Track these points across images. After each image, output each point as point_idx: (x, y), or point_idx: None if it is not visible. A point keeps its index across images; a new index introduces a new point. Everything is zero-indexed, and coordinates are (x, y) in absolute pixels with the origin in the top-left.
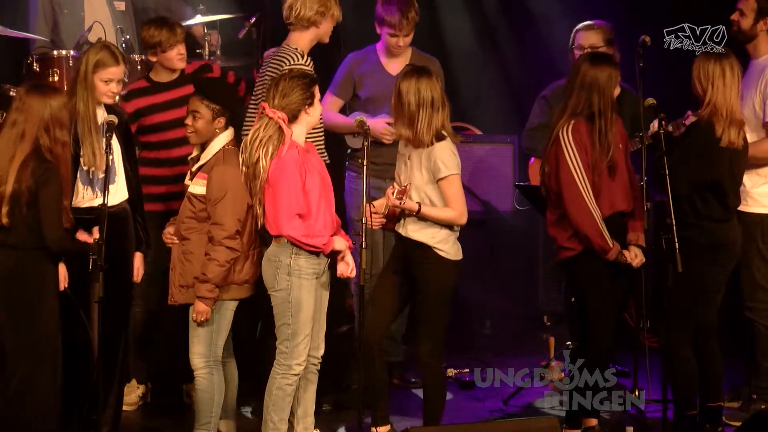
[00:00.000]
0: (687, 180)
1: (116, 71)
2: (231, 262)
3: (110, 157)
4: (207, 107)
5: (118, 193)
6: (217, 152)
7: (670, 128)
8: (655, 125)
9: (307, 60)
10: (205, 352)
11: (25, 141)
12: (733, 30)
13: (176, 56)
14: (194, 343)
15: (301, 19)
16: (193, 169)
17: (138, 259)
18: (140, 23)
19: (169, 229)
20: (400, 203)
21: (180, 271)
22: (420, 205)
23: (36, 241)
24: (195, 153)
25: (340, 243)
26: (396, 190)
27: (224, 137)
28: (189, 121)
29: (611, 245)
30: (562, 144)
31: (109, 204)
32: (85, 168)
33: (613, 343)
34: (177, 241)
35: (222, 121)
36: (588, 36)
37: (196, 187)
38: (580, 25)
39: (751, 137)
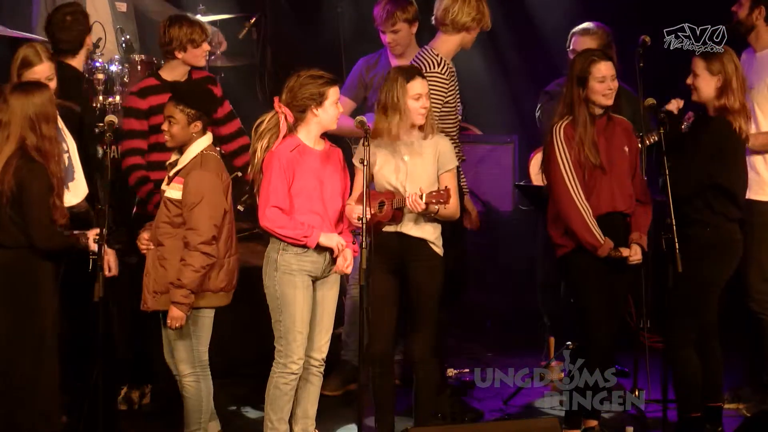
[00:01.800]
0: (700, 178)
1: (41, 69)
2: (207, 268)
3: (66, 155)
4: (181, 112)
5: (79, 190)
6: (194, 157)
7: (683, 126)
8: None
9: (443, 68)
10: (189, 358)
11: (10, 142)
12: (733, 21)
13: (203, 53)
14: (177, 350)
15: (455, 23)
16: (171, 173)
17: (109, 255)
18: (139, 25)
19: (144, 235)
20: (439, 208)
21: (154, 277)
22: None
23: (28, 239)
24: (173, 158)
25: (328, 239)
26: (425, 194)
27: (203, 142)
28: (165, 126)
29: (601, 242)
30: (553, 142)
31: (72, 203)
32: None
33: (613, 342)
34: (152, 247)
35: (198, 125)
36: (583, 41)
37: (172, 191)
38: (577, 28)
39: (766, 126)
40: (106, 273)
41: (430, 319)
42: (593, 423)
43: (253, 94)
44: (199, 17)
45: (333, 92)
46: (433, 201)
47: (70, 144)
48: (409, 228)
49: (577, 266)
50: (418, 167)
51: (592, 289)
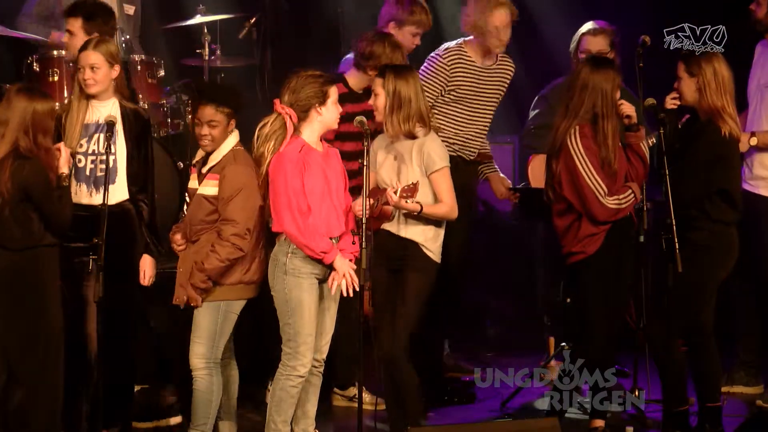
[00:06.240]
0: (700, 185)
1: (87, 56)
2: (232, 261)
3: (111, 156)
4: (221, 113)
5: (117, 192)
6: (227, 153)
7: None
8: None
9: (445, 52)
10: (206, 353)
11: (5, 142)
12: (752, 20)
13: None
14: (195, 343)
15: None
16: (203, 170)
17: (146, 262)
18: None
19: (177, 236)
20: (407, 202)
21: (186, 271)
22: (422, 206)
23: (29, 239)
24: (199, 156)
25: (341, 263)
26: (400, 189)
27: (233, 139)
28: (206, 130)
29: (634, 191)
30: (572, 151)
31: (107, 203)
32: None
33: (610, 343)
34: (184, 248)
35: (233, 123)
36: (596, 41)
37: (207, 188)
38: (586, 29)
39: None
40: (143, 282)
41: (407, 318)
42: (599, 423)
43: (253, 95)
44: (198, 17)
45: (333, 91)
46: (403, 195)
47: (119, 147)
48: (397, 228)
49: (596, 272)
50: (405, 166)
51: (607, 293)
